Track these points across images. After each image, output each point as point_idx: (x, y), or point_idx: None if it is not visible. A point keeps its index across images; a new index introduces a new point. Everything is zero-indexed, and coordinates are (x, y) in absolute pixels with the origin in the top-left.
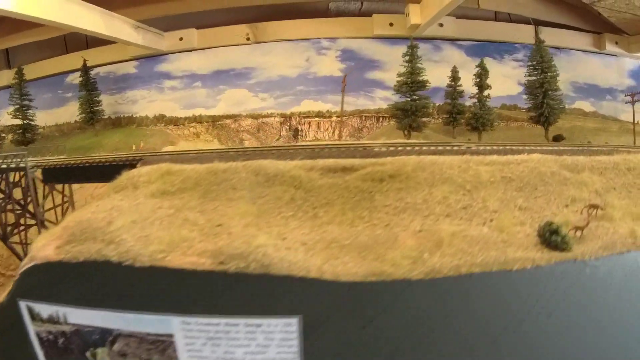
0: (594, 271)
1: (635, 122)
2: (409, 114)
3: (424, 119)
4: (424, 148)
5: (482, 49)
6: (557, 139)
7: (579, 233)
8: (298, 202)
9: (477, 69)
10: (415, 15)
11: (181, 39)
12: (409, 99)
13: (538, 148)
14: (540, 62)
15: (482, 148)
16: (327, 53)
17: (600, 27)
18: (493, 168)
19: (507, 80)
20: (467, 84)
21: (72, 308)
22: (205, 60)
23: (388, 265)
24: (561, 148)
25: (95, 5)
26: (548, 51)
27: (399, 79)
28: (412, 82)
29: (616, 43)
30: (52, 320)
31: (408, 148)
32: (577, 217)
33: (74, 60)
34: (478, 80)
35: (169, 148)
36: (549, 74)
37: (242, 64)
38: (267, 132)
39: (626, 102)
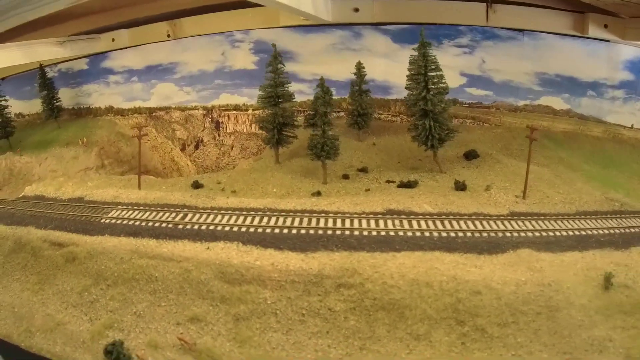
0: None
1: (630, 125)
2: (273, 127)
3: (289, 133)
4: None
5: (413, 34)
6: (468, 156)
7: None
8: (27, 268)
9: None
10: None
11: (113, 39)
12: (272, 112)
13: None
14: (420, 74)
15: (194, 228)
16: (241, 46)
17: (584, 7)
18: (150, 263)
19: (446, 71)
20: (394, 78)
21: None
22: (138, 57)
23: None
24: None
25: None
26: (434, 59)
27: (261, 93)
28: (274, 96)
29: (605, 26)
30: None
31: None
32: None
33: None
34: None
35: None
36: (429, 87)
37: (168, 59)
38: (194, 124)
39: (526, 136)
